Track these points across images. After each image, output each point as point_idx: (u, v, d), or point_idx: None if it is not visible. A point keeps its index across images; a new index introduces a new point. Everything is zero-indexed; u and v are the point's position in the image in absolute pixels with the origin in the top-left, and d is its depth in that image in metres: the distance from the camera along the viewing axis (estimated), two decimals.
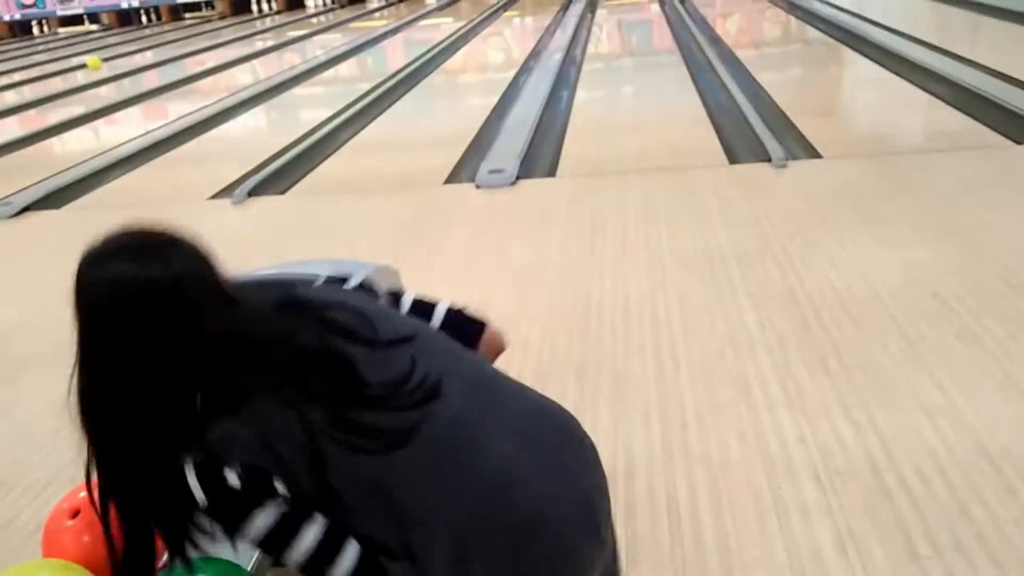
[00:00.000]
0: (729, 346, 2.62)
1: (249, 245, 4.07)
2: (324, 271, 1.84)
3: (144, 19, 19.53)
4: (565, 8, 13.55)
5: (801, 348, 2.56)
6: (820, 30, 8.88)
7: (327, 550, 0.94)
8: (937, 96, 5.56)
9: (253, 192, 4.82)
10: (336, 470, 0.93)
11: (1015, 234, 3.22)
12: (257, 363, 0.97)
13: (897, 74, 6.34)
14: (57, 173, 5.65)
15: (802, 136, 4.88)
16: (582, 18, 11.85)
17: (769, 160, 4.42)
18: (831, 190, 3.93)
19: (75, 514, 1.28)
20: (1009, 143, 4.39)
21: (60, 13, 19.24)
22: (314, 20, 16.49)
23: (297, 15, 17.96)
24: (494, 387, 1.11)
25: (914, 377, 2.35)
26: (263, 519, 0.94)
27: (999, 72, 5.76)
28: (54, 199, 5.10)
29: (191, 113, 7.71)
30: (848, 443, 2.09)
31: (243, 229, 4.37)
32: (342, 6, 18.39)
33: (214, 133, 6.97)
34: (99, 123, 7.98)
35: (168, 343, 0.94)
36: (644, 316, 2.89)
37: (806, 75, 7.61)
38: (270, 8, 19.15)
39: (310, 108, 8.35)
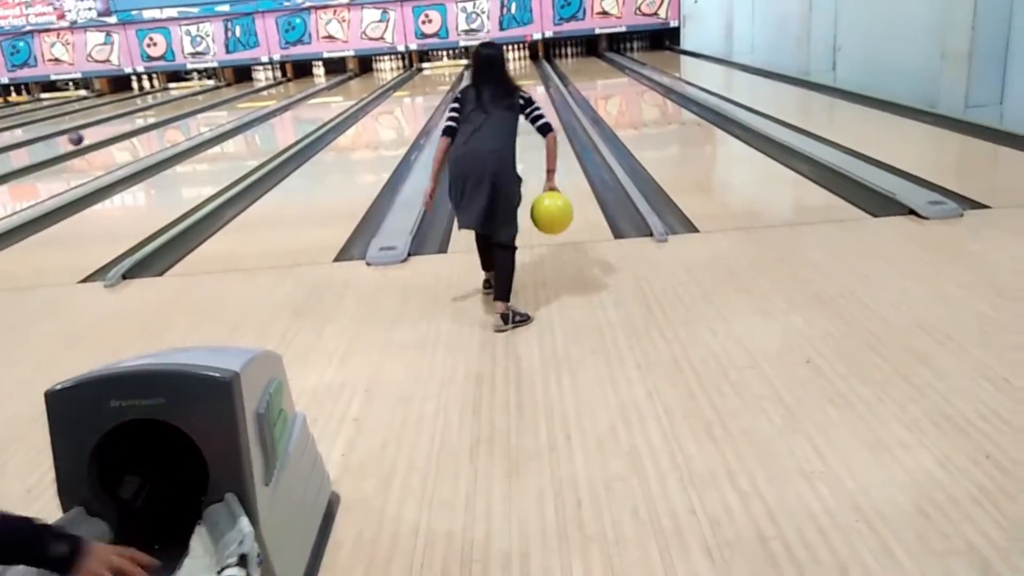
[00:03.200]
0: (620, 418, 2.65)
1: (121, 331, 3.87)
2: (201, 360, 1.77)
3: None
4: (454, 89, 13.91)
5: (688, 417, 2.62)
6: (693, 112, 9.44)
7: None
8: (801, 173, 5.98)
9: (128, 274, 4.60)
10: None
11: (877, 301, 3.44)
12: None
13: (764, 153, 6.79)
14: None
15: (680, 211, 5.12)
16: None
17: (651, 234, 4.60)
18: (709, 262, 4.12)
19: None
20: (867, 216, 4.74)
21: None
22: (199, 98, 16.24)
23: (180, 92, 17.66)
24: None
25: (793, 443, 2.43)
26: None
27: (854, 151, 6.26)
28: None
29: (63, 192, 7.36)
30: (735, 512, 2.13)
31: (116, 313, 4.14)
32: (228, 84, 18.24)
33: (87, 213, 6.66)
34: None
35: None
36: (536, 390, 2.90)
37: (682, 154, 8.03)
38: (152, 86, 18.78)
39: (193, 186, 8.13)
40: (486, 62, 3.68)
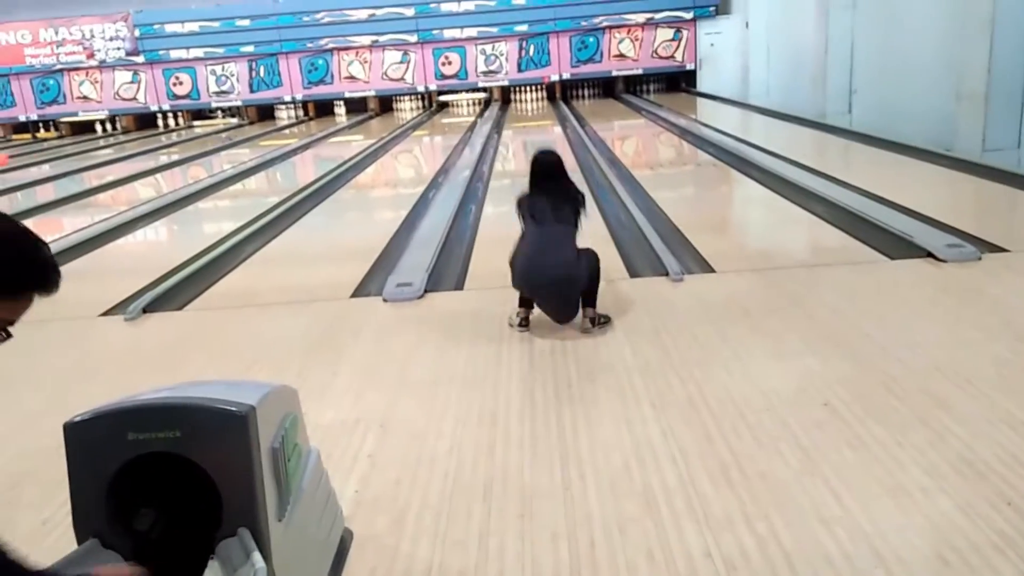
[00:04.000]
0: (634, 458, 2.64)
1: (140, 364, 3.91)
2: (217, 394, 1.79)
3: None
4: (472, 128, 14.10)
5: (703, 458, 2.60)
6: (709, 153, 9.50)
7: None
8: (817, 215, 5.99)
9: (148, 308, 4.65)
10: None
11: (893, 344, 3.42)
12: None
13: (780, 194, 6.81)
14: None
15: (696, 251, 5.13)
16: (489, 138, 12.33)
17: (667, 274, 4.60)
18: (725, 303, 4.11)
19: None
20: (883, 258, 4.73)
21: None
22: (223, 135, 16.54)
23: (205, 130, 18.01)
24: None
25: (811, 486, 2.40)
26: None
27: (870, 193, 6.26)
28: None
29: (87, 227, 7.49)
30: (752, 556, 2.10)
31: (135, 347, 4.18)
32: (251, 123, 18.61)
33: (110, 247, 6.77)
34: None
35: None
36: (551, 429, 2.89)
37: (698, 194, 8.07)
38: (176, 123, 19.16)
39: (214, 221, 8.25)
40: (545, 170, 3.85)
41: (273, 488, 1.74)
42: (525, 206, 3.82)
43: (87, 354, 4.15)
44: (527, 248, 3.75)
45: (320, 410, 3.13)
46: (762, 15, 15.34)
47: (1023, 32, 7.12)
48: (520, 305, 3.91)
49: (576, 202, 3.81)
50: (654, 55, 17.89)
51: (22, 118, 18.85)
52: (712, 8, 17.41)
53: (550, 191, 3.79)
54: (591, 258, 3.82)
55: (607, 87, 18.68)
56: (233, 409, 1.67)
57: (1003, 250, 4.65)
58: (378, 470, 2.70)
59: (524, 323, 3.90)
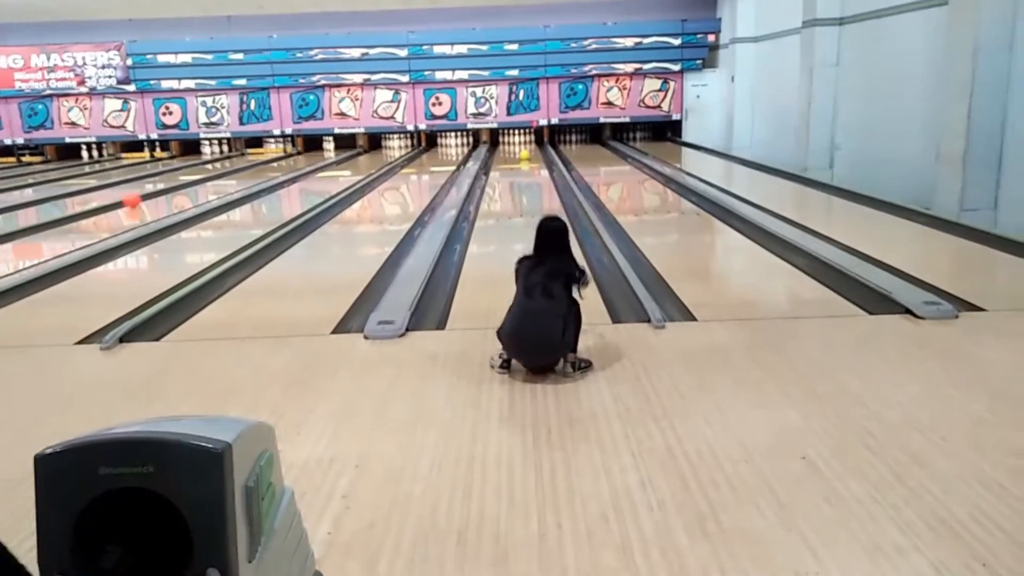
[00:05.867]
0: (612, 507, 2.62)
1: (114, 395, 3.85)
2: (193, 429, 1.76)
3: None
4: (460, 168, 14.21)
5: (681, 509, 2.59)
6: (693, 202, 9.62)
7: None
8: (798, 267, 6.06)
9: (126, 338, 4.60)
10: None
11: (871, 398, 3.44)
12: None
13: (762, 245, 6.89)
14: None
15: (678, 299, 5.16)
16: (476, 178, 12.43)
17: (649, 321, 4.62)
18: (705, 351, 4.13)
19: None
20: (862, 312, 4.78)
21: None
22: (208, 167, 16.56)
23: (192, 160, 18.03)
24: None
25: (788, 541, 2.39)
26: None
27: (851, 248, 6.36)
28: None
29: (67, 253, 7.43)
30: None
31: (110, 377, 4.12)
32: (241, 154, 18.65)
33: (91, 274, 6.70)
34: None
35: None
36: (529, 475, 2.86)
37: (681, 242, 8.15)
38: (165, 151, 19.14)
39: (196, 252, 8.21)
40: (546, 238, 3.94)
41: (245, 528, 1.71)
42: (521, 274, 3.91)
43: (61, 383, 4.08)
44: (512, 320, 3.85)
45: (295, 448, 3.09)
46: (748, 70, 15.70)
47: (1001, 96, 7.32)
48: (504, 348, 3.93)
49: (570, 278, 3.89)
50: (641, 104, 18.21)
51: (8, 141, 18.78)
52: (699, 61, 17.80)
53: (546, 262, 3.87)
54: (575, 323, 3.87)
55: (594, 133, 18.96)
56: (209, 446, 1.65)
57: (979, 309, 4.72)
58: (352, 512, 2.66)
59: (505, 365, 3.90)
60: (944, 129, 7.89)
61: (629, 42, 17.78)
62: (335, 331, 4.74)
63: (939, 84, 8.08)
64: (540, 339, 3.76)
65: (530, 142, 18.81)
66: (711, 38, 17.59)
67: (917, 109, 8.87)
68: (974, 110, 7.39)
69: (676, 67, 17.87)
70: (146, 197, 12.07)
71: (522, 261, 3.97)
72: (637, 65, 17.91)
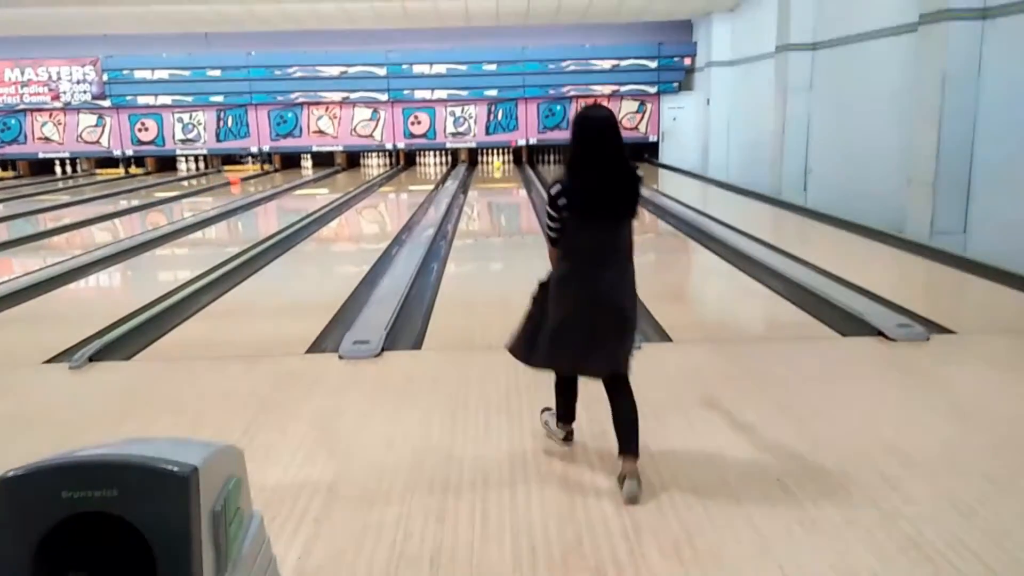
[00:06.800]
0: (587, 531, 2.60)
1: (81, 416, 3.77)
2: (159, 452, 1.72)
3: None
4: (438, 187, 14.21)
5: (656, 534, 2.58)
6: (670, 223, 9.69)
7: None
8: (773, 289, 6.11)
9: (95, 356, 4.52)
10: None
11: (845, 421, 3.46)
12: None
13: (738, 267, 6.95)
14: None
15: (654, 319, 5.17)
16: (454, 197, 12.43)
17: None
18: (682, 373, 4.14)
19: None
20: (835, 335, 4.83)
21: None
22: (184, 183, 16.42)
23: (167, 176, 17.88)
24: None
25: (762, 566, 2.39)
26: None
27: (825, 271, 6.42)
28: None
29: (38, 270, 7.31)
30: None
31: (78, 397, 4.04)
32: (218, 171, 18.53)
33: (61, 292, 6.59)
34: None
35: None
36: (503, 499, 2.84)
37: (658, 263, 8.18)
38: (140, 167, 18.97)
39: (170, 270, 8.12)
40: (598, 132, 2.74)
41: (211, 553, 1.68)
42: (573, 223, 2.69)
43: (27, 403, 4.00)
44: (584, 260, 2.73)
45: (265, 470, 3.05)
46: (723, 93, 15.90)
47: (970, 122, 7.46)
48: (566, 419, 3.20)
49: (637, 192, 2.76)
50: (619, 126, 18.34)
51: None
52: (675, 84, 18.01)
53: (606, 166, 2.68)
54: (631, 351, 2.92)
55: None
56: (174, 469, 1.61)
57: (950, 331, 4.78)
58: (323, 537, 2.62)
59: (569, 437, 3.25)
60: (915, 154, 8.03)
61: (607, 64, 17.97)
62: (309, 351, 4.70)
63: (909, 110, 8.23)
64: (621, 332, 2.76)
65: (508, 161, 18.87)
66: (687, 61, 17.81)
67: (888, 134, 9.02)
68: (943, 136, 7.54)
69: (653, 89, 18.06)
70: (120, 214, 11.93)
71: (567, 194, 2.69)
72: (614, 87, 18.08)
